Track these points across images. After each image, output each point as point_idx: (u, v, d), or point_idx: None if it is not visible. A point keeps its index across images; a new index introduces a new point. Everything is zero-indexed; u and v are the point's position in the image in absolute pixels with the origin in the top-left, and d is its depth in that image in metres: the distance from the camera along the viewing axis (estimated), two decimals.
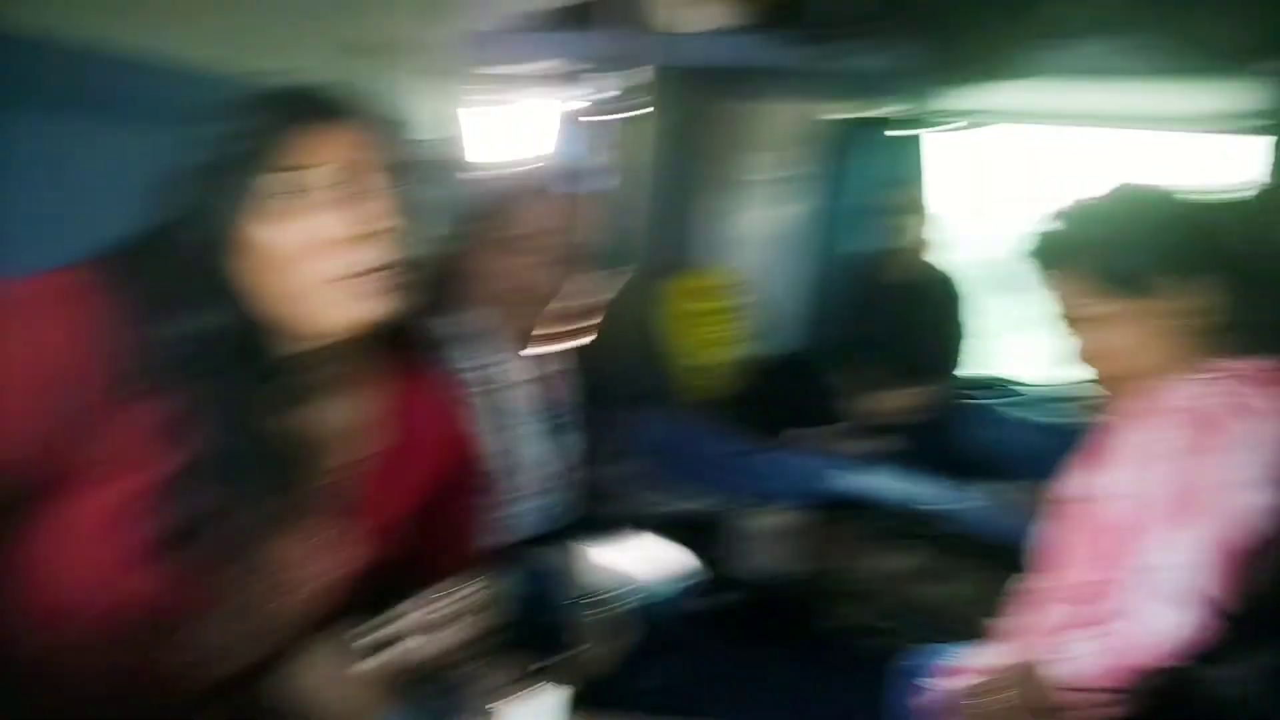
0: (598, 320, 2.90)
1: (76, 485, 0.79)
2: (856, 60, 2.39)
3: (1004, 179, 3.36)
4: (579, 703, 1.26)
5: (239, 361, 0.84)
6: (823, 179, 3.29)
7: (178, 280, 0.84)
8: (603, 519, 2.82)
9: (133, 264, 0.85)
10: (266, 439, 0.86)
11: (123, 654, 0.84)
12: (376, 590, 1.05)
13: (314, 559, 0.93)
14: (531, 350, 1.48)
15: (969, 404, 2.66)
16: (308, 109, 0.86)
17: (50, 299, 0.81)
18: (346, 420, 0.96)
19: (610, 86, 3.02)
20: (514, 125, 3.40)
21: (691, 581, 1.75)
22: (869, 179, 3.25)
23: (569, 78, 2.64)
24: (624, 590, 1.49)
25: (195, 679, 0.89)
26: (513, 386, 1.39)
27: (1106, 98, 2.57)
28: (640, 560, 1.76)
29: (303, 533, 0.92)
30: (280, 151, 0.83)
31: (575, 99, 2.71)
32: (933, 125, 3.18)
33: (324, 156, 0.84)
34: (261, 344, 0.86)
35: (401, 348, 1.08)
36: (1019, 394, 3.03)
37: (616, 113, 2.94)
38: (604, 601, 1.43)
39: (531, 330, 1.44)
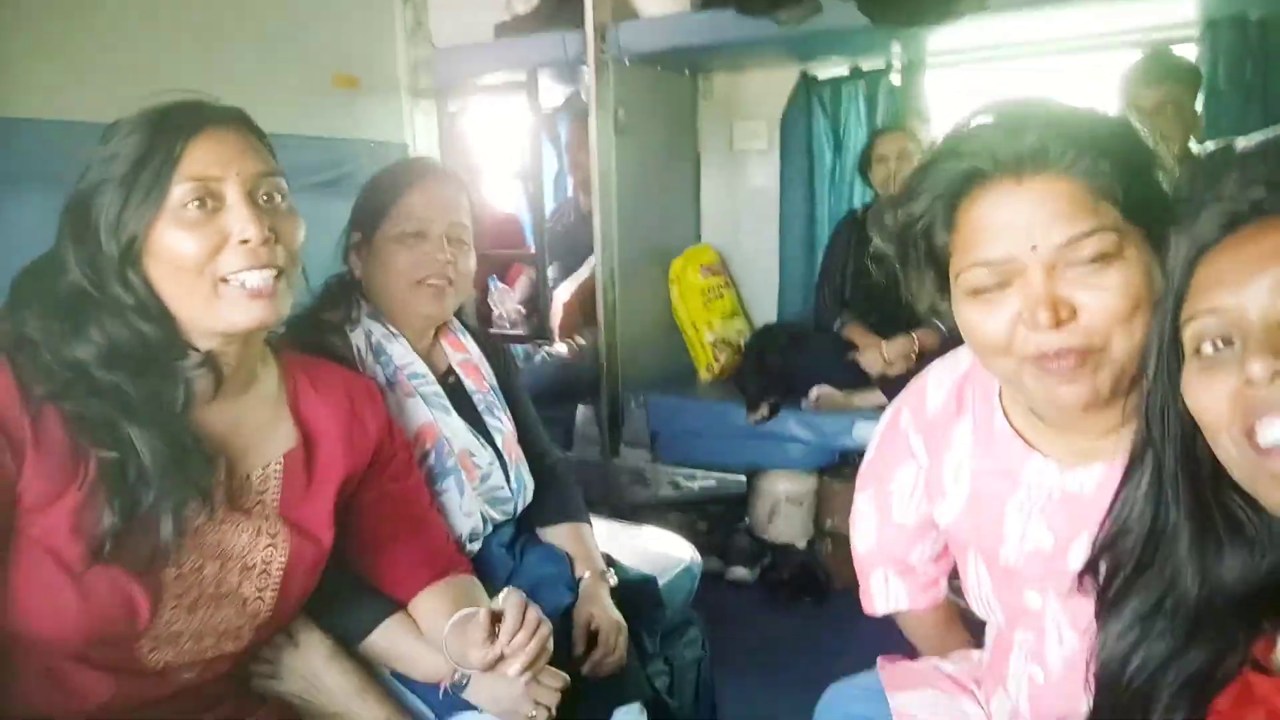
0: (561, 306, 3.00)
1: (26, 515, 0.87)
2: (810, 22, 2.44)
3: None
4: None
5: (147, 366, 0.91)
6: (806, 139, 3.30)
7: (78, 297, 0.90)
8: (617, 505, 2.95)
9: (26, 293, 0.91)
10: (180, 439, 0.92)
11: (101, 663, 0.92)
12: (342, 582, 1.14)
13: (250, 554, 1.01)
14: (447, 338, 1.49)
15: None
16: (204, 121, 0.93)
17: None
18: (256, 419, 1.05)
19: (572, 84, 3.10)
20: (478, 131, 3.50)
21: (692, 568, 1.80)
22: (853, 133, 3.26)
23: (529, 82, 2.70)
24: (628, 577, 1.53)
25: (172, 677, 0.97)
26: (430, 379, 1.40)
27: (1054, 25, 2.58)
28: (638, 548, 1.82)
29: (232, 529, 0.99)
30: (186, 162, 0.90)
31: (538, 101, 2.78)
32: (904, 71, 3.16)
33: (226, 166, 0.92)
34: (167, 347, 0.93)
35: (306, 349, 1.19)
36: None
37: (581, 108, 3.02)
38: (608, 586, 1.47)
39: (443, 320, 1.45)
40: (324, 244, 1.44)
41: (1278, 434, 0.59)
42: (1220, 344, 0.64)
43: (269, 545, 1.01)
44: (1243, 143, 2.27)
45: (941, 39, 2.92)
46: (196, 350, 0.95)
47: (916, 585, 1.17)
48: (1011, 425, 0.97)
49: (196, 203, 0.91)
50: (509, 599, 1.05)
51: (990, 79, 3.26)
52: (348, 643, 1.16)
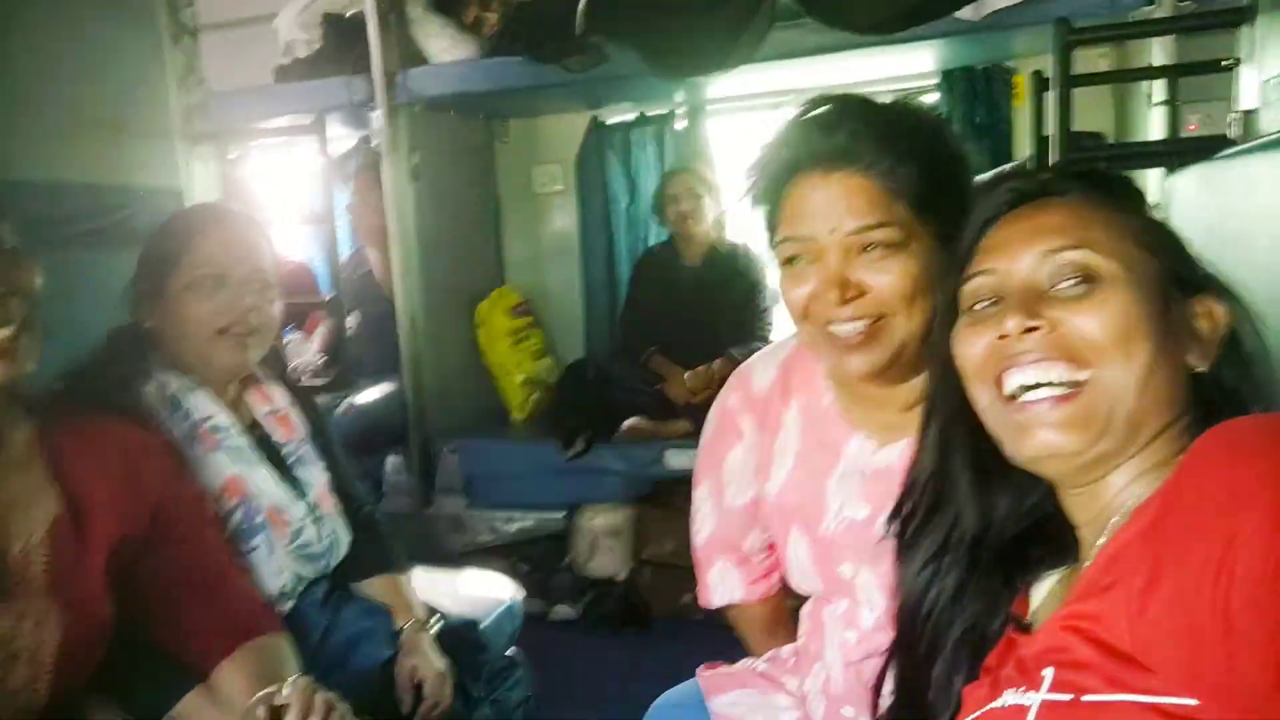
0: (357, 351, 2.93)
1: None
2: (596, 69, 2.55)
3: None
4: None
5: None
6: (601, 181, 3.43)
7: None
8: (434, 554, 2.88)
9: None
10: None
11: None
12: (130, 650, 1.05)
13: (12, 642, 0.91)
14: (253, 389, 1.43)
15: None
16: None
17: None
18: (9, 490, 0.95)
19: (361, 129, 3.06)
20: (263, 176, 3.39)
21: (514, 608, 1.78)
22: (644, 175, 3.41)
23: (316, 127, 2.64)
24: (450, 623, 1.51)
25: None
26: (235, 432, 1.33)
27: (817, 75, 2.85)
28: (458, 592, 1.79)
29: None
30: None
31: (326, 145, 2.72)
32: (687, 116, 3.37)
33: None
34: None
35: (89, 406, 1.09)
36: None
37: (371, 153, 2.98)
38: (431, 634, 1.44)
39: (247, 370, 1.39)
40: (95, 293, 1.34)
41: (1017, 382, 0.68)
42: (988, 302, 0.72)
43: (36, 628, 0.91)
44: (977, 179, 2.59)
45: (719, 87, 3.13)
46: None
47: (750, 576, 1.23)
48: (837, 405, 1.07)
49: None
50: (294, 688, 0.99)
51: (765, 122, 3.52)
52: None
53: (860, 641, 1.06)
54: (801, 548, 1.10)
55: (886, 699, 0.88)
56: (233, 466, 1.30)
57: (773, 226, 0.99)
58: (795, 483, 1.09)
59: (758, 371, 1.16)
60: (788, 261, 0.97)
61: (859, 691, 1.05)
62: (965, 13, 2.19)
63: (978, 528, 0.78)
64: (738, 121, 3.54)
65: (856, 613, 1.06)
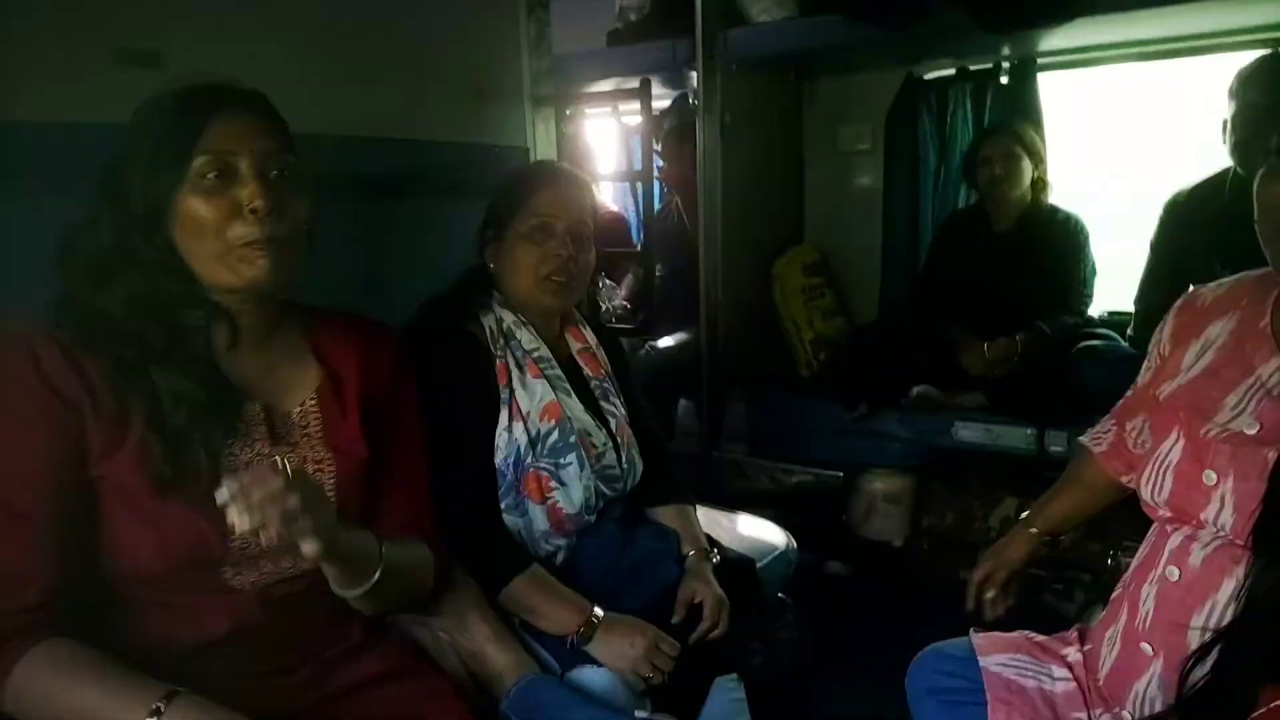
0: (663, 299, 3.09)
1: (100, 463, 0.98)
2: (919, 25, 2.47)
3: (1085, 120, 3.26)
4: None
5: (168, 316, 1.04)
6: (911, 141, 3.31)
7: (109, 254, 1.01)
8: (719, 493, 3.03)
9: (66, 250, 1.02)
10: (207, 381, 1.04)
11: (198, 591, 1.03)
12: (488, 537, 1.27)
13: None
14: (570, 329, 1.62)
15: (1087, 345, 2.62)
16: (225, 101, 1.03)
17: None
18: (286, 365, 1.16)
19: (677, 89, 3.20)
20: (595, 137, 3.64)
21: (789, 554, 1.87)
22: (959, 134, 3.25)
23: (641, 88, 2.82)
24: (729, 557, 1.62)
25: (271, 598, 1.08)
26: (554, 364, 1.51)
27: (1155, 28, 2.54)
28: (737, 533, 1.91)
29: (283, 459, 1.08)
30: (207, 137, 1.00)
31: (650, 105, 2.89)
32: (1012, 71, 3.14)
33: (241, 142, 1.02)
34: (185, 300, 1.05)
35: (440, 331, 1.29)
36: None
37: (687, 112, 3.11)
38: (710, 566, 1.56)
39: (565, 311, 1.58)
40: (456, 238, 1.59)
41: None
42: None
43: (317, 470, 1.13)
44: None
45: (1052, 39, 2.90)
46: (213, 303, 1.07)
47: (1113, 446, 1.33)
48: (1271, 328, 1.09)
49: (214, 174, 1.01)
50: None
51: (1100, 80, 3.20)
52: (490, 592, 1.31)
53: (1182, 579, 1.06)
54: (1176, 447, 1.12)
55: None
56: (552, 394, 1.49)
57: None
58: (1194, 386, 1.13)
59: (1214, 287, 1.22)
60: None
61: (1160, 633, 1.06)
62: None
63: None
64: (1071, 78, 3.26)
65: (1188, 549, 1.07)
